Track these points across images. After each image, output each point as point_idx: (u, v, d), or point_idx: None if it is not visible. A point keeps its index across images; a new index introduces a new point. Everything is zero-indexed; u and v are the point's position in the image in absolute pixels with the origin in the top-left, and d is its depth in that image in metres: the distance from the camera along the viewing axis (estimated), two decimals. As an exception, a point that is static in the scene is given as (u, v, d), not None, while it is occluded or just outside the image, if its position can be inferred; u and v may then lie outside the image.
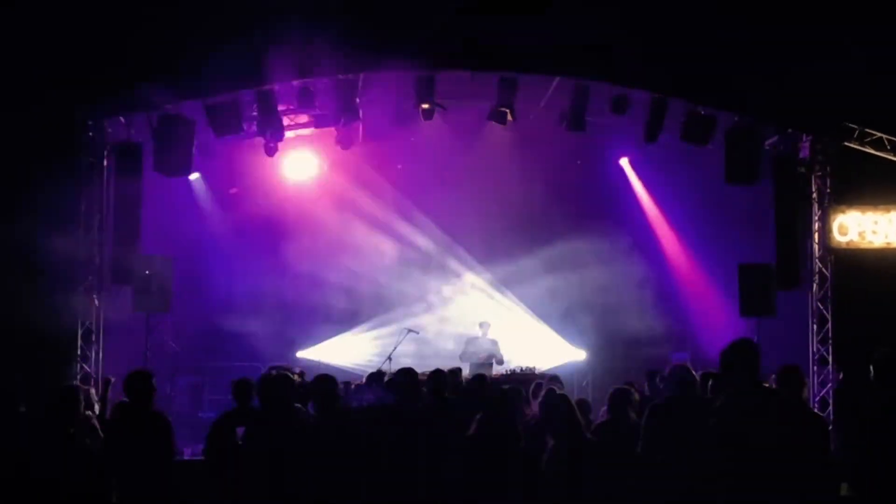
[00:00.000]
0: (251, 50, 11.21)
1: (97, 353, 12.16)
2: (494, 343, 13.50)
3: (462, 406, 7.23)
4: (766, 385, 5.96)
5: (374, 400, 7.58)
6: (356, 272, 15.17)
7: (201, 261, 14.49)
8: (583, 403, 7.72)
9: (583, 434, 6.56)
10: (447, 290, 15.95)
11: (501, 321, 14.98)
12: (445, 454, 6.55)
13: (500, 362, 13.11)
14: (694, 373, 6.52)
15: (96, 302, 12.21)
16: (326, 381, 6.87)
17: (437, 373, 7.48)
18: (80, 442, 6.91)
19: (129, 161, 12.23)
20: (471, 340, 13.55)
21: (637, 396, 8.00)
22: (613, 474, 6.31)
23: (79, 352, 12.00)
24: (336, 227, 14.96)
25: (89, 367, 12.04)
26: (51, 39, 11.25)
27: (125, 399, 6.65)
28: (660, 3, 12.07)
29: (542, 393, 6.97)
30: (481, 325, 13.75)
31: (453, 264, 15.95)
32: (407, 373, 7.13)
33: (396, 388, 7.12)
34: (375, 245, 15.36)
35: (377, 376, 9.29)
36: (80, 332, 12.04)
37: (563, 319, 15.55)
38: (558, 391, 7.00)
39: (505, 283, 15.84)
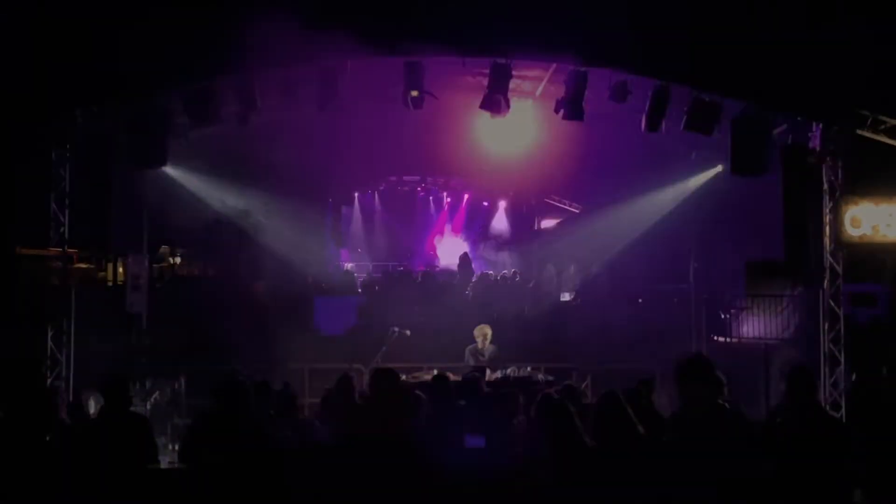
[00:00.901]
0: (227, 34, 11.12)
1: (68, 356, 12.14)
2: (497, 349, 13.47)
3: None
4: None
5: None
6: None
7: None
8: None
9: (582, 440, 6.55)
10: None
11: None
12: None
13: (498, 368, 13.11)
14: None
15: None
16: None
17: (440, 379, 7.34)
18: (58, 449, 6.89)
19: (99, 152, 12.16)
20: (473, 350, 13.44)
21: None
22: (612, 481, 6.31)
23: (49, 353, 11.98)
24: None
25: (60, 369, 12.01)
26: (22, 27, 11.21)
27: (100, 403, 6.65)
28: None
29: (540, 398, 6.97)
30: (477, 332, 13.64)
31: None
32: (386, 375, 6.58)
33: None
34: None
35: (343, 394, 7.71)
36: (49, 334, 12.01)
37: None
38: (556, 396, 7.01)
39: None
